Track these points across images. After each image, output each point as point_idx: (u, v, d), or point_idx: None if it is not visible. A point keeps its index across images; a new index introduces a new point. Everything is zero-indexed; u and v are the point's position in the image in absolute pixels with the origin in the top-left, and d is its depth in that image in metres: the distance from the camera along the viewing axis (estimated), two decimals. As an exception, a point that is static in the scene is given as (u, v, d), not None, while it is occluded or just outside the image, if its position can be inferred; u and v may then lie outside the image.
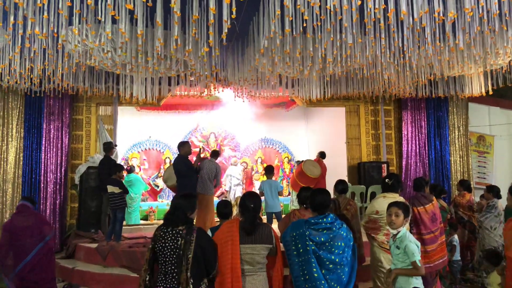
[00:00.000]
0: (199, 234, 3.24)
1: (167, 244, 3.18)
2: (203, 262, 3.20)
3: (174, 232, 3.21)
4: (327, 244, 3.21)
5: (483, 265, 5.95)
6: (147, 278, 3.23)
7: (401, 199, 4.42)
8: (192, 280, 3.10)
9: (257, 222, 3.52)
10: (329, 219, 3.29)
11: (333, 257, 3.19)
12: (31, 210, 5.12)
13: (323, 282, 3.12)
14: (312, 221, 3.28)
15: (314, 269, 3.13)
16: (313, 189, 3.74)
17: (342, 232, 3.29)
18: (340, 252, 3.23)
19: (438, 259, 4.67)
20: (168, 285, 3.13)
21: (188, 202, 3.41)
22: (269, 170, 7.98)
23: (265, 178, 10.72)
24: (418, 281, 3.56)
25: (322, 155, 9.01)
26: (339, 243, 3.24)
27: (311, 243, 3.18)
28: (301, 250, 3.19)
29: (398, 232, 3.64)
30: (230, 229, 3.41)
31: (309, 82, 8.45)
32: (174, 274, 3.13)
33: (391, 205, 3.75)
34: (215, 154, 8.28)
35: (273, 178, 8.02)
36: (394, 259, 3.66)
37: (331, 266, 3.18)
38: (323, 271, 3.15)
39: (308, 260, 3.15)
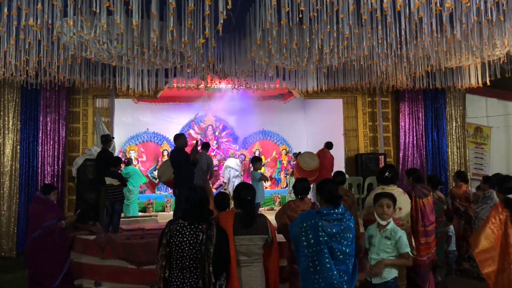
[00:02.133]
0: (218, 229, 3.21)
1: (185, 239, 3.10)
2: (221, 255, 3.16)
3: (193, 227, 3.14)
4: (337, 236, 3.20)
5: None
6: (167, 274, 3.11)
7: (399, 190, 4.42)
8: (213, 274, 3.07)
9: (255, 214, 3.53)
10: (340, 209, 3.28)
11: (343, 248, 3.19)
12: (41, 199, 5.49)
13: (335, 272, 3.12)
14: (324, 211, 3.26)
15: (327, 260, 3.12)
16: (322, 180, 3.68)
17: (351, 224, 3.30)
18: (349, 243, 3.24)
19: (433, 248, 4.72)
20: (186, 280, 3.07)
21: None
22: (252, 161, 8.02)
23: (262, 170, 10.72)
24: (396, 272, 3.62)
25: (327, 145, 8.89)
26: (348, 235, 3.25)
27: (323, 233, 3.16)
28: (312, 241, 3.17)
29: (388, 223, 3.65)
30: (225, 220, 3.41)
31: (306, 73, 8.42)
32: (192, 269, 3.08)
33: (381, 196, 3.73)
34: (206, 146, 8.33)
35: (261, 169, 8.04)
36: (378, 249, 3.62)
37: (341, 256, 3.18)
38: (333, 262, 3.16)
39: (320, 250, 3.14)
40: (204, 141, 10.35)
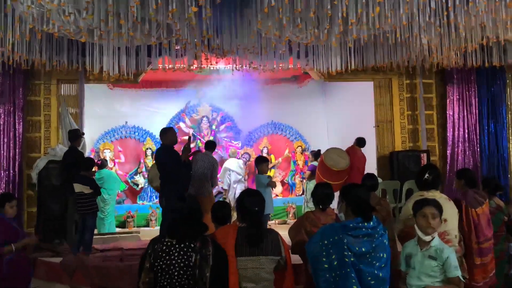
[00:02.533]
0: (215, 247, 3.19)
1: (173, 262, 3.08)
2: (219, 279, 3.15)
3: (183, 246, 3.12)
4: (367, 256, 3.19)
5: None
6: None
7: (443, 196, 4.40)
8: None
9: (263, 229, 3.52)
10: (371, 223, 3.26)
11: (375, 271, 3.18)
12: None
13: None
14: (351, 225, 3.23)
15: (354, 286, 3.11)
16: (348, 184, 3.66)
17: (385, 241, 3.29)
18: (383, 265, 3.22)
19: (492, 271, 4.69)
20: None
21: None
22: (256, 162, 7.96)
23: (272, 173, 10.69)
24: None
25: (359, 142, 8.85)
26: (381, 254, 3.23)
27: (350, 253, 3.15)
28: (335, 263, 3.16)
29: (433, 238, 3.61)
30: (225, 237, 3.40)
31: (326, 50, 8.40)
32: None
33: (424, 203, 3.69)
34: (211, 146, 8.27)
35: (271, 172, 7.98)
36: (419, 272, 3.58)
37: (372, 282, 3.16)
38: None
39: (346, 275, 3.12)
40: (210, 140, 10.32)
